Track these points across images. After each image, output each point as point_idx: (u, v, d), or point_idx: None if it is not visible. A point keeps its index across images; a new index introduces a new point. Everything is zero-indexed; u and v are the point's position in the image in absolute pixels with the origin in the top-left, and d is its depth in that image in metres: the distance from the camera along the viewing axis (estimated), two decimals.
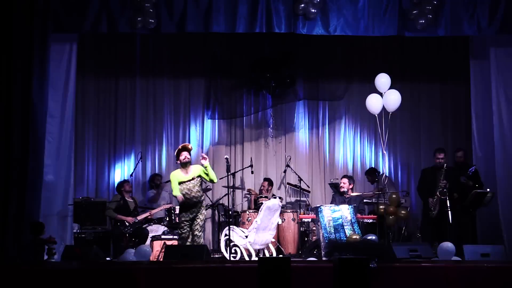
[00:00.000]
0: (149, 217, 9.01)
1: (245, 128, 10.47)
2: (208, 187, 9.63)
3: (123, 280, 5.84)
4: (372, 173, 9.63)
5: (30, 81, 7.71)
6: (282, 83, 10.12)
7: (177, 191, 7.63)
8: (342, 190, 9.18)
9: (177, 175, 7.74)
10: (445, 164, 8.26)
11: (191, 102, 10.41)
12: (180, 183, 7.66)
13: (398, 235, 9.12)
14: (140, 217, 8.90)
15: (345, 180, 9.23)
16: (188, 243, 7.62)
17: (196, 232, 7.66)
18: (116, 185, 9.38)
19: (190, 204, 7.65)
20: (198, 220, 7.69)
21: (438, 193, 8.16)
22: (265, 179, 9.99)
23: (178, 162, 7.79)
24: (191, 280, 5.85)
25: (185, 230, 7.67)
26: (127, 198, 8.97)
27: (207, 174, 7.74)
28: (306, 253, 8.65)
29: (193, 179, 7.68)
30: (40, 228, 7.32)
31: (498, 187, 8.29)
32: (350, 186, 9.27)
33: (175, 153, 7.89)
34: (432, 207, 8.21)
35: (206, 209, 9.28)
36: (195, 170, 7.76)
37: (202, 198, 7.83)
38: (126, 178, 9.49)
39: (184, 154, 7.73)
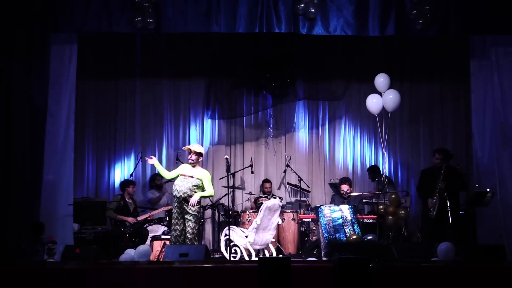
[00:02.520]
0: (149, 217, 9.01)
1: (245, 128, 10.47)
2: None
3: (123, 280, 5.84)
4: (373, 171, 9.62)
5: (30, 81, 7.71)
6: (282, 83, 10.12)
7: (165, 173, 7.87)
8: (345, 195, 9.16)
9: (183, 167, 7.80)
10: (444, 166, 8.22)
11: (191, 102, 10.41)
12: (180, 175, 7.69)
13: (398, 235, 9.12)
14: (140, 218, 8.91)
15: (347, 187, 9.24)
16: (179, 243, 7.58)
17: (188, 235, 7.51)
18: (120, 182, 9.34)
19: (175, 197, 7.59)
20: (189, 222, 7.54)
21: (437, 193, 8.15)
22: (268, 181, 9.98)
23: None
24: (191, 280, 5.85)
25: (175, 228, 7.61)
26: (127, 199, 8.97)
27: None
28: (306, 253, 8.65)
29: (191, 177, 7.62)
30: (40, 228, 7.32)
31: (498, 187, 8.28)
32: (351, 189, 9.27)
33: None
34: (432, 207, 8.20)
35: (206, 209, 9.32)
36: (200, 173, 7.69)
37: (189, 199, 7.51)
38: (131, 179, 9.43)
39: (191, 155, 7.76)
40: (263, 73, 10.02)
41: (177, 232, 7.54)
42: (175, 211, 7.61)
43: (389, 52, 10.35)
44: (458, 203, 8.30)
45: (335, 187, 9.65)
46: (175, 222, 7.59)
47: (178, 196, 7.55)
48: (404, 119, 10.35)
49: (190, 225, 7.49)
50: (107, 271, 6.06)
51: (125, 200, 8.90)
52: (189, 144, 10.12)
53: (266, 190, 9.84)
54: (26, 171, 7.59)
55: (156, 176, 9.71)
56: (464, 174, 8.62)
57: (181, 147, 10.10)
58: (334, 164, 10.48)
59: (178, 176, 7.72)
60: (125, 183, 9.13)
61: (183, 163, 8.86)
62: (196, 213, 7.54)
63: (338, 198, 9.22)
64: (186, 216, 7.52)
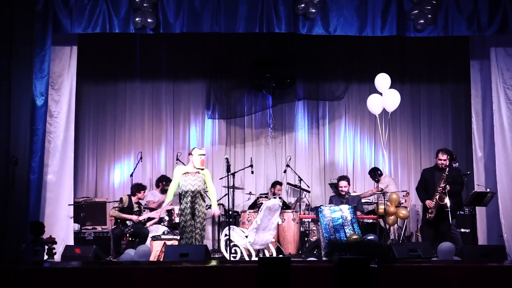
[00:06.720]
0: (159, 216, 8.95)
1: (245, 128, 10.48)
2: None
3: (123, 280, 5.84)
4: (372, 173, 9.59)
5: (30, 81, 7.72)
6: (282, 83, 10.12)
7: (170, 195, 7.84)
8: (343, 193, 9.12)
9: (182, 168, 7.90)
10: (447, 169, 8.14)
11: (191, 102, 10.42)
12: (185, 173, 7.77)
13: (398, 235, 9.12)
14: (142, 218, 8.87)
15: (345, 183, 9.15)
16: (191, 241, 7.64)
17: (199, 231, 7.66)
18: (133, 185, 9.06)
19: (190, 192, 7.70)
20: (199, 219, 7.68)
21: (437, 198, 8.10)
22: (279, 183, 9.94)
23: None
24: (191, 280, 5.85)
25: (188, 229, 7.66)
26: (134, 202, 8.92)
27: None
28: (306, 253, 8.65)
29: (197, 173, 7.80)
30: (40, 228, 7.31)
31: (498, 187, 8.28)
32: (349, 186, 9.25)
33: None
34: (430, 209, 8.18)
35: (206, 209, 9.30)
36: (203, 170, 7.91)
37: (202, 193, 7.81)
38: (144, 184, 9.27)
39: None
40: (263, 73, 10.02)
41: (195, 232, 7.74)
42: (188, 211, 7.68)
43: (389, 52, 10.36)
44: (461, 203, 8.28)
45: (335, 187, 9.63)
46: (189, 224, 7.67)
47: (193, 190, 7.70)
48: (404, 119, 10.36)
49: (201, 221, 7.74)
50: (107, 271, 6.06)
51: (131, 202, 8.84)
52: (189, 145, 10.13)
53: (278, 193, 9.80)
54: (26, 171, 7.59)
55: (164, 178, 9.59)
56: (467, 180, 8.56)
57: (181, 147, 10.14)
58: (334, 164, 10.49)
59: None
60: (138, 188, 8.91)
61: (182, 163, 8.90)
62: (205, 210, 7.92)
63: (336, 199, 9.17)
64: (197, 213, 7.71)
